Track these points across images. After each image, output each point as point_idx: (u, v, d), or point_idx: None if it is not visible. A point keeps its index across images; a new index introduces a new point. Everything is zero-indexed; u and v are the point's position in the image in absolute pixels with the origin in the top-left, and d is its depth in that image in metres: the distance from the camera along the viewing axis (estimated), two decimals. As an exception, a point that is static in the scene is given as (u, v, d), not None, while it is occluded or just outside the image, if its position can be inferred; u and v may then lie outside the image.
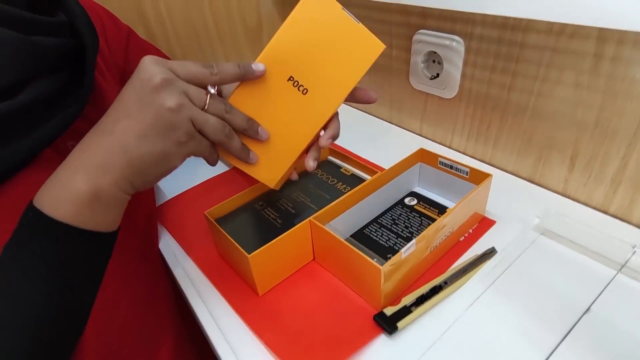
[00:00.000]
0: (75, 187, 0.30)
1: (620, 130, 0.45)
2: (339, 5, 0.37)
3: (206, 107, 0.33)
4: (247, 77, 0.36)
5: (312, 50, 0.38)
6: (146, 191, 0.52)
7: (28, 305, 0.29)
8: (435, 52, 0.61)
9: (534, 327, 0.38)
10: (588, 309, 0.38)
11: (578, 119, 0.49)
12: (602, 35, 0.43)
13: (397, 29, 0.66)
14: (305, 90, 0.38)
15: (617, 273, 0.41)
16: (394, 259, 0.38)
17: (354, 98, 0.41)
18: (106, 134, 0.31)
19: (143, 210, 0.52)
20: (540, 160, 0.55)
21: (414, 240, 0.39)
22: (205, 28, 0.79)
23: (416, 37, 0.63)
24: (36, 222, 0.30)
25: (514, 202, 0.53)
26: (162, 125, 0.31)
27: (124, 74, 0.57)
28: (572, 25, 0.44)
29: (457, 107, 0.63)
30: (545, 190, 0.55)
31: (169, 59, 0.66)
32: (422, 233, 0.40)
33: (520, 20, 0.49)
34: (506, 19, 0.50)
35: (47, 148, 0.36)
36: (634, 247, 0.40)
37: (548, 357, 0.35)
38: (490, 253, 0.45)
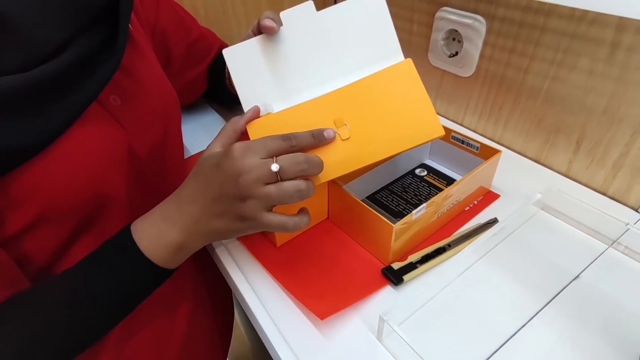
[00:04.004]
0: (169, 238, 0.36)
1: (627, 118, 0.48)
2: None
3: (280, 177, 0.35)
4: (320, 145, 0.39)
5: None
6: (176, 146, 0.54)
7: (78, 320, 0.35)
8: (456, 31, 0.63)
9: (525, 288, 0.42)
10: (577, 276, 0.42)
11: (588, 105, 0.51)
12: (622, 24, 0.44)
13: (420, 4, 0.67)
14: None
15: (608, 248, 0.45)
16: (406, 219, 0.41)
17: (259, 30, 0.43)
18: (197, 204, 0.36)
19: (173, 163, 0.55)
20: (547, 143, 0.58)
21: (424, 204, 0.43)
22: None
23: (439, 14, 0.64)
24: (131, 253, 0.36)
25: (518, 179, 0.56)
26: (244, 218, 0.36)
27: (154, 31, 0.59)
28: (594, 12, 0.46)
29: (472, 86, 0.65)
30: (549, 170, 0.59)
31: (194, 19, 0.68)
32: (432, 198, 0.44)
33: (544, 3, 0.51)
34: (530, 1, 0.52)
35: (92, 103, 0.38)
36: (627, 224, 0.43)
37: (537, 313, 0.39)
38: (492, 223, 0.49)
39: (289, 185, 0.35)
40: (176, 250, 0.37)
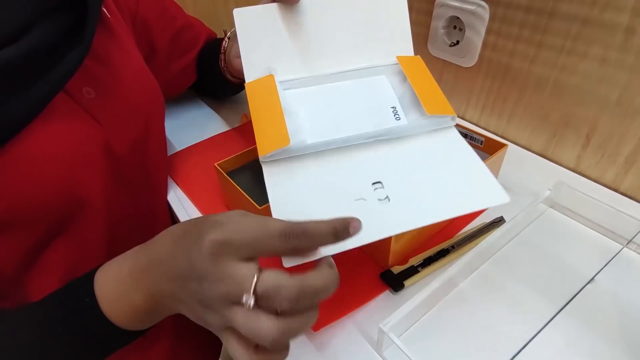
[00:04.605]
0: (134, 301, 0.29)
1: (642, 109, 0.45)
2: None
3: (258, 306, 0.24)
4: (337, 242, 0.27)
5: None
6: (158, 144, 0.50)
7: None
8: (457, 18, 0.59)
9: (536, 293, 0.39)
10: (592, 279, 0.39)
11: (600, 96, 0.48)
12: (639, 7, 0.41)
13: (420, -9, 0.63)
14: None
15: (623, 248, 0.42)
16: (407, 219, 0.38)
17: None
18: (163, 274, 0.27)
19: (155, 163, 0.51)
20: (555, 137, 0.55)
21: (427, 203, 0.39)
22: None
23: (439, 0, 0.61)
24: (88, 311, 0.29)
25: (524, 175, 0.53)
26: (206, 323, 0.27)
27: (135, 20, 0.55)
28: (608, -5, 0.43)
29: (474, 77, 0.62)
30: (556, 165, 0.55)
31: (179, 8, 0.64)
32: (435, 197, 0.40)
33: (553, -13, 0.47)
34: (538, -15, 0.49)
35: (60, 93, 0.35)
36: (642, 223, 0.40)
37: (550, 320, 0.36)
38: (498, 222, 0.45)
39: (261, 324, 0.23)
40: (143, 315, 0.30)
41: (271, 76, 0.40)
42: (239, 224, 0.25)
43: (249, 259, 0.25)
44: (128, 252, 0.31)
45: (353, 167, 0.36)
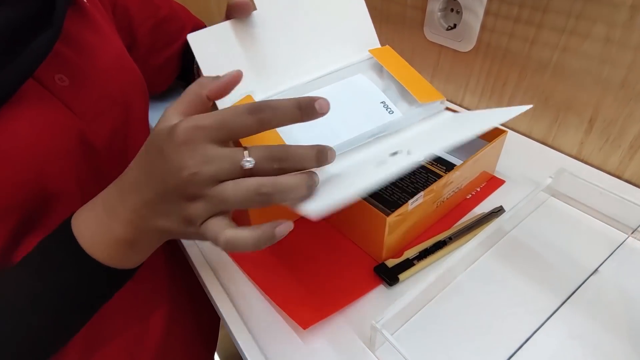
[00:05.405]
0: (114, 233, 0.29)
1: (648, 90, 0.43)
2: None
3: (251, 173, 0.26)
4: (306, 120, 0.27)
5: None
6: (140, 135, 0.48)
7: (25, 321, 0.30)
8: (454, 0, 0.57)
9: (538, 286, 0.37)
10: (596, 270, 0.37)
11: (603, 78, 0.46)
12: (645, -18, 0.39)
13: (416, -28, 0.61)
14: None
15: (628, 237, 0.40)
16: (401, 210, 0.36)
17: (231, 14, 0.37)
18: (140, 195, 0.28)
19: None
20: (556, 122, 0.53)
21: (422, 193, 0.38)
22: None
23: (435, -18, 0.58)
24: (69, 249, 0.29)
25: (524, 163, 0.51)
26: (192, 222, 0.27)
27: (116, 7, 0.53)
28: (613, -31, 0.41)
29: (472, 61, 0.59)
30: (558, 152, 0.53)
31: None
32: (431, 186, 0.38)
33: (554, -37, 0.45)
34: (538, -39, 0.46)
35: (29, 81, 0.33)
36: (648, 211, 0.39)
37: (553, 313, 0.34)
38: (497, 212, 0.44)
39: (253, 180, 0.25)
40: (126, 247, 0.30)
41: (249, 97, 0.36)
42: (204, 114, 0.26)
43: (224, 142, 0.26)
44: (98, 194, 0.31)
45: (363, 160, 0.34)
